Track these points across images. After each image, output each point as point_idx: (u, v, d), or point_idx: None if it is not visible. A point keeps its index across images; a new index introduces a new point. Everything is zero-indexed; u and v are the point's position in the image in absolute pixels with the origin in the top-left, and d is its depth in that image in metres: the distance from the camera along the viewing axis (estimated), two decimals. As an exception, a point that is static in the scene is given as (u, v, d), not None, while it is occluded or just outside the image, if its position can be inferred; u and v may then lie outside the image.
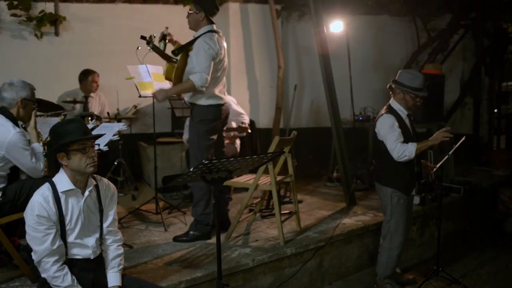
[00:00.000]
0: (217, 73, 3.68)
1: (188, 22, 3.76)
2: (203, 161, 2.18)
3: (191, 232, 3.75)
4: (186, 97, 3.80)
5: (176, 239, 3.75)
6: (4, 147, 2.83)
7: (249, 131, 5.00)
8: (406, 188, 3.49)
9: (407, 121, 3.46)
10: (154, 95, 3.78)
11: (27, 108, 3.01)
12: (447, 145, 3.60)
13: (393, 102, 3.48)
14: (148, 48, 3.71)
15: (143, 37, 3.70)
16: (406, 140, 3.34)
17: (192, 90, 3.59)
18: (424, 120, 5.53)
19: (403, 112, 3.45)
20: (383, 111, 3.48)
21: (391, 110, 3.43)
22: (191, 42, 3.64)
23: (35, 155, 2.91)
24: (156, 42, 3.75)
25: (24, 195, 2.84)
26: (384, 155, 3.46)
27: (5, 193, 2.90)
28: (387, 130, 3.34)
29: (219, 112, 3.75)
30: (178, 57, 3.68)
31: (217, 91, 3.72)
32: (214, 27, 3.73)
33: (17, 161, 2.90)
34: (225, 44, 3.78)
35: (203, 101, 3.69)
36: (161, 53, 3.76)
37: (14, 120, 2.93)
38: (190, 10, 3.73)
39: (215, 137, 3.78)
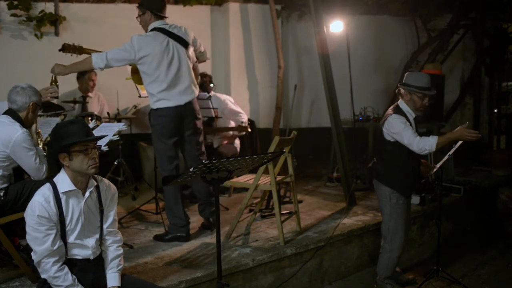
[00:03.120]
0: (157, 71, 3.54)
1: (142, 27, 3.72)
2: (203, 161, 2.18)
3: (167, 236, 3.75)
4: None
5: (155, 237, 3.79)
6: (10, 145, 2.86)
7: (249, 130, 5.00)
8: (406, 190, 3.49)
9: (413, 124, 3.45)
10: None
11: (35, 113, 3.06)
12: (447, 145, 3.60)
13: (401, 103, 3.46)
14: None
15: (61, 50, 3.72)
16: None
17: (90, 67, 3.55)
18: (424, 120, 5.51)
19: (410, 115, 3.44)
20: (391, 110, 3.46)
21: (399, 111, 3.42)
22: None
23: (39, 157, 2.94)
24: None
25: (25, 195, 2.87)
26: (388, 155, 3.46)
27: (7, 192, 2.93)
28: (402, 127, 3.32)
29: (171, 115, 3.61)
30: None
31: (166, 94, 3.58)
32: (166, 22, 3.67)
33: (21, 161, 2.92)
34: (185, 49, 3.67)
35: (153, 105, 3.64)
36: (79, 50, 3.70)
37: (21, 122, 2.96)
38: (137, 14, 3.70)
39: (172, 140, 3.68)
